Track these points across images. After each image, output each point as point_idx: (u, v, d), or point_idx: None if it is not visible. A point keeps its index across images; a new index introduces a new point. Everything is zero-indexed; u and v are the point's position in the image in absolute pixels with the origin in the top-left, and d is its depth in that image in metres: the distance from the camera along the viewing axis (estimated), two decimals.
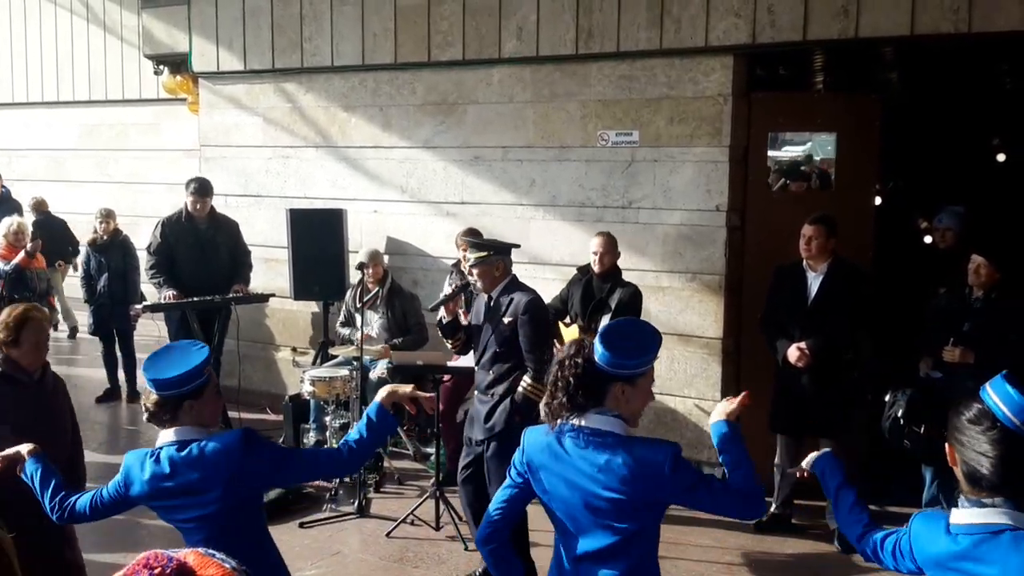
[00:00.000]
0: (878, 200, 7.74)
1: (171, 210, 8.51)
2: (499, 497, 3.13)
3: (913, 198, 9.64)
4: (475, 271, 5.35)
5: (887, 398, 5.30)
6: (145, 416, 3.21)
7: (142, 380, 3.26)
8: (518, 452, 3.05)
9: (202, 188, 8.16)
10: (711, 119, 6.84)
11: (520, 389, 5.20)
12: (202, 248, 8.13)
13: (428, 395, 3.48)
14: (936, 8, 6.00)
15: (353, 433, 3.29)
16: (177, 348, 3.28)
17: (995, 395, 2.41)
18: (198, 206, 8.11)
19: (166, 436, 3.16)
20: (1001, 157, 11.42)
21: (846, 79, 7.86)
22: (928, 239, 9.49)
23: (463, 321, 5.72)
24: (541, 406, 2.99)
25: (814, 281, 6.11)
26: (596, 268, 6.40)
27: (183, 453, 3.09)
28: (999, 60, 8.47)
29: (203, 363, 3.15)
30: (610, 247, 6.42)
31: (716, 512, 3.00)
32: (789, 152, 7.03)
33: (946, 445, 2.51)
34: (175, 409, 3.14)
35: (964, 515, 2.39)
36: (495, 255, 5.31)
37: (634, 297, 6.33)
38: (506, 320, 5.23)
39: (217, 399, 3.27)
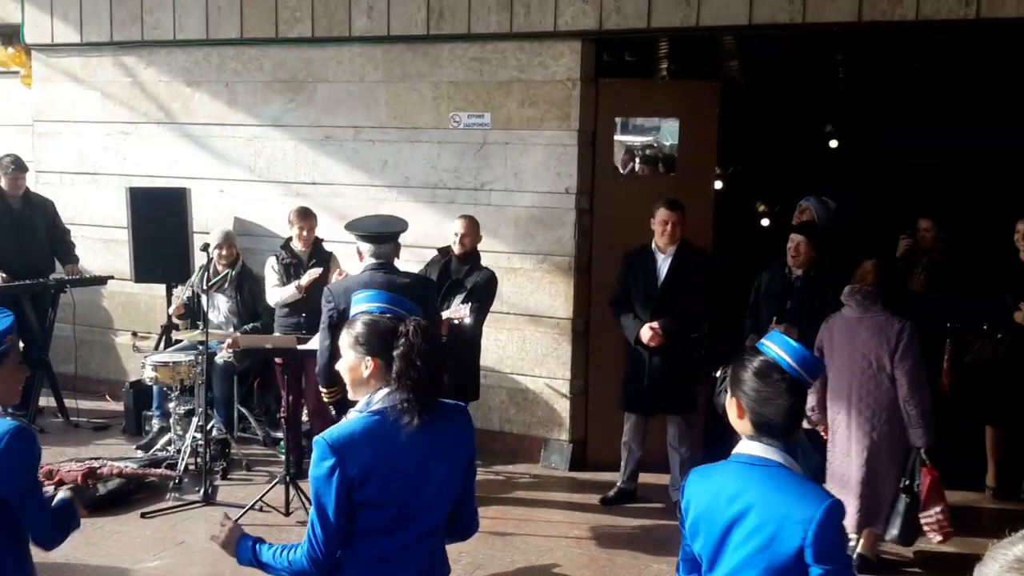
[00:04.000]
0: (719, 184, 8.03)
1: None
2: None
3: (752, 182, 10.04)
4: None
5: (717, 374, 5.50)
6: None
7: None
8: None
9: (19, 164, 7.80)
10: (560, 103, 6.93)
11: None
12: (19, 229, 7.74)
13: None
14: None
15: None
16: None
17: (776, 347, 2.55)
18: (17, 182, 7.75)
19: None
20: (834, 143, 12.06)
21: (689, 66, 8.11)
22: (765, 222, 9.90)
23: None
24: None
25: (663, 263, 6.28)
26: (456, 249, 6.39)
27: None
28: (834, 51, 8.91)
29: (5, 331, 2.89)
30: (472, 230, 6.44)
31: None
32: (638, 137, 7.21)
33: (727, 400, 2.62)
34: None
35: (751, 447, 2.53)
36: None
37: (489, 282, 6.36)
38: None
39: (17, 375, 2.99)
